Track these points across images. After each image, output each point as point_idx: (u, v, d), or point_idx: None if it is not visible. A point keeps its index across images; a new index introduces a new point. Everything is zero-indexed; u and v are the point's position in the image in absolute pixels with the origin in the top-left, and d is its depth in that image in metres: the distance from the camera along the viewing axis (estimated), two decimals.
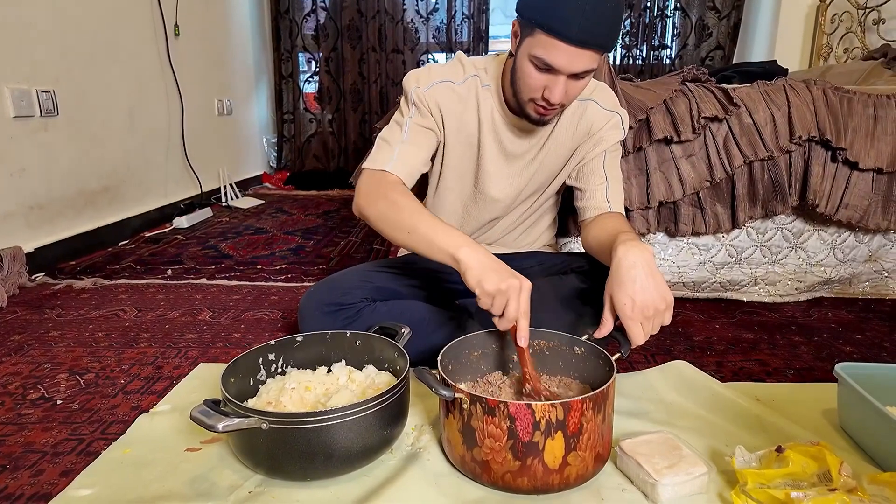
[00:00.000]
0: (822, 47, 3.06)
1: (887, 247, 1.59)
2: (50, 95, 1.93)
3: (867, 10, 2.82)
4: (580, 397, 0.74)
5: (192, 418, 0.73)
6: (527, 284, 0.85)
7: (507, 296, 0.83)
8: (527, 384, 0.90)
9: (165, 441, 0.90)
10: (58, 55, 1.99)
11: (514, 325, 0.85)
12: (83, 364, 1.20)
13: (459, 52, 1.14)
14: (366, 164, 1.06)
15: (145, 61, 2.53)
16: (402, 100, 1.10)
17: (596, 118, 1.11)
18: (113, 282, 1.78)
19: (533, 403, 0.73)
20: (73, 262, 1.98)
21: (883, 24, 2.73)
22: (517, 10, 0.95)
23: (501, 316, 0.85)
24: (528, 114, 1.02)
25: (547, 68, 0.92)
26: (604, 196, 1.12)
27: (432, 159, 1.16)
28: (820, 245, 1.57)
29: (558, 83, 0.93)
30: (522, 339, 0.86)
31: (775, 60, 2.05)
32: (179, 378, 1.13)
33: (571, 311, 1.09)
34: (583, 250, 1.20)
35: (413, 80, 1.08)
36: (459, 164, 1.14)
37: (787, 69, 1.88)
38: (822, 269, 1.59)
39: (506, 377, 0.99)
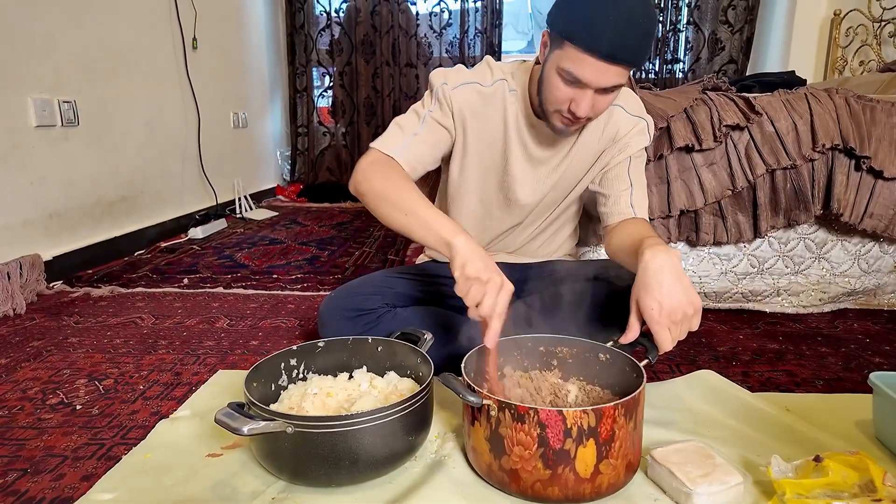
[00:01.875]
0: (837, 60, 3.05)
1: None
2: (71, 105, 1.96)
3: (883, 23, 2.81)
4: (612, 403, 0.72)
5: (217, 421, 0.72)
6: (508, 286, 0.84)
7: (485, 289, 0.82)
8: (485, 384, 0.88)
9: (186, 446, 0.89)
10: (80, 66, 2.02)
11: (486, 321, 0.83)
12: (102, 370, 1.20)
13: (488, 57, 1.14)
14: (374, 144, 1.06)
15: (164, 74, 2.57)
16: (427, 93, 1.10)
17: (622, 123, 1.11)
18: (130, 290, 1.78)
19: (564, 410, 0.71)
20: (91, 271, 1.99)
21: None
22: (548, 22, 0.95)
23: (477, 307, 0.83)
24: (553, 124, 1.02)
25: (575, 81, 0.92)
26: (628, 202, 1.11)
27: (448, 161, 1.16)
28: (844, 255, 1.55)
29: (585, 97, 0.93)
30: (489, 340, 0.84)
31: (794, 71, 2.04)
32: (198, 385, 1.12)
33: (593, 318, 1.07)
34: (603, 257, 1.19)
35: (441, 77, 1.07)
36: (483, 166, 1.13)
37: (805, 80, 1.87)
38: (846, 279, 1.56)
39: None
